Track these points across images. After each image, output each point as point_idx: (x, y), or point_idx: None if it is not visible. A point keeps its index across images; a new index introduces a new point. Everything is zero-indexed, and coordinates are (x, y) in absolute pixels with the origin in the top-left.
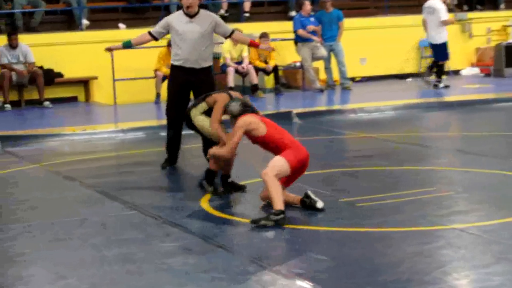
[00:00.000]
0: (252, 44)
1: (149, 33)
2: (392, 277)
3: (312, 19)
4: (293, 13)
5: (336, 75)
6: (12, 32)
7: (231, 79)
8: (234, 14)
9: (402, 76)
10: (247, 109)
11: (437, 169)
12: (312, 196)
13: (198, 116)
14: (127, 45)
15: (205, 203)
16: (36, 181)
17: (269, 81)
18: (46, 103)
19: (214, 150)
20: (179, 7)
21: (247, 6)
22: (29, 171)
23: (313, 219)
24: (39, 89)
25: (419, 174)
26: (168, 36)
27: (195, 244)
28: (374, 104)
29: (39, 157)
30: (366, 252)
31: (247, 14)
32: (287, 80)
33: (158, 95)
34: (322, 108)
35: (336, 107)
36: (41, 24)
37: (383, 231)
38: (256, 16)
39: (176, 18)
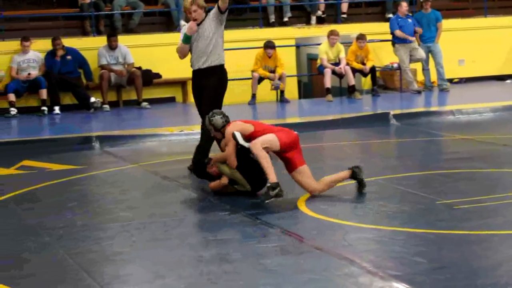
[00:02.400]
0: None
1: None
2: (490, 280)
3: (409, 20)
4: (390, 15)
5: (433, 77)
6: (111, 33)
7: (328, 80)
8: (331, 15)
9: (501, 78)
10: (228, 119)
11: None
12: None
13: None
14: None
15: (302, 205)
16: (134, 181)
17: (366, 82)
18: (144, 103)
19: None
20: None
21: (344, 7)
22: (127, 171)
23: (411, 221)
24: (137, 89)
25: None
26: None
27: (291, 245)
28: (473, 105)
29: (137, 157)
30: (464, 255)
31: (344, 15)
32: (384, 81)
33: (253, 96)
34: (420, 109)
35: (433, 108)
36: (139, 25)
37: (481, 234)
38: (353, 17)
39: (188, 27)
